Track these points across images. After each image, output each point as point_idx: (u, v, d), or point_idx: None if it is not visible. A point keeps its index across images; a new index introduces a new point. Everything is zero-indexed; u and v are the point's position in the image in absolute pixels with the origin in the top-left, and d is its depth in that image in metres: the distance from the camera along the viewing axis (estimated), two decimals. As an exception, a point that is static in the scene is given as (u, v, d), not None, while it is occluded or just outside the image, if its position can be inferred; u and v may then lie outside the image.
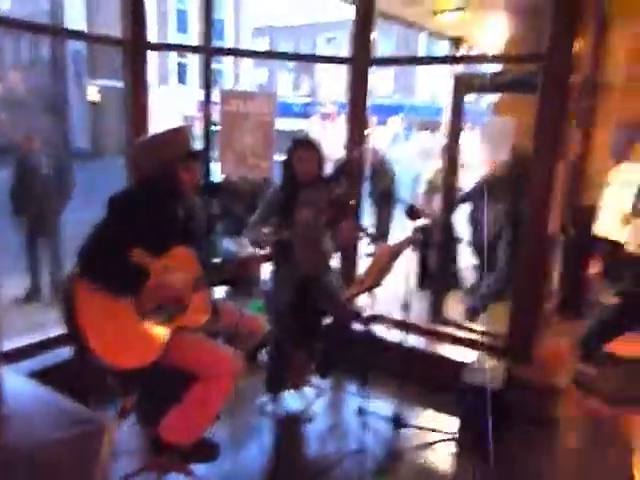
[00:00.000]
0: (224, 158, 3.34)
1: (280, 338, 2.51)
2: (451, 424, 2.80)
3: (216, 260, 2.39)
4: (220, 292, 3.74)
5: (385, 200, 6.57)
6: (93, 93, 20.73)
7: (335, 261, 3.06)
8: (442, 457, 2.62)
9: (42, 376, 1.81)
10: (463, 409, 2.66)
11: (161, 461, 2.07)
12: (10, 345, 2.67)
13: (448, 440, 2.71)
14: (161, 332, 1.92)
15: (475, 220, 4.51)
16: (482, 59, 3.58)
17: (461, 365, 2.83)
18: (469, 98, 3.43)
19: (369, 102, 3.33)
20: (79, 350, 1.83)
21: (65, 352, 2.66)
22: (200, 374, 1.97)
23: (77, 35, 3.90)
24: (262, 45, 30.91)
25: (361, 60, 3.26)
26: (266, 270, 2.95)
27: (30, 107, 19.09)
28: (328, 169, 2.81)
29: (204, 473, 2.28)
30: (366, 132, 3.35)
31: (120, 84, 2.97)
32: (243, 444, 2.47)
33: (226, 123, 3.24)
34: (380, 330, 3.28)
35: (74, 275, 1.79)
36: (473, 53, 7.06)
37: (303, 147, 2.62)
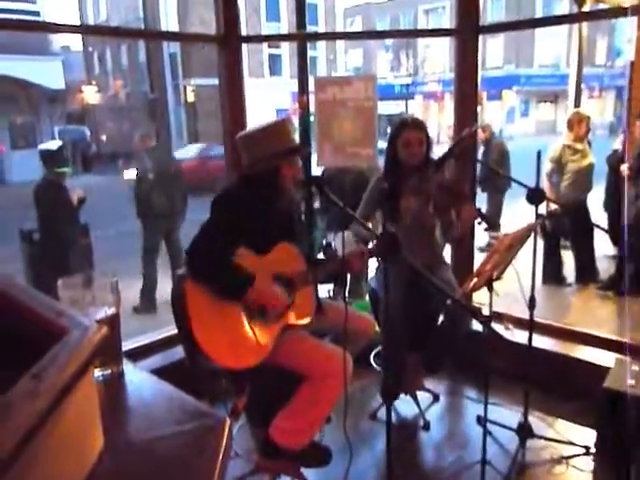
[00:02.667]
0: (321, 148, 3.35)
1: (391, 340, 2.40)
2: (587, 436, 2.64)
3: (319, 256, 2.43)
4: (323, 290, 3.75)
5: (498, 183, 6.31)
6: (188, 93, 21.98)
7: (447, 253, 2.97)
8: (577, 474, 2.46)
9: (156, 375, 1.97)
10: (601, 419, 2.44)
11: (272, 464, 2.15)
12: (127, 345, 2.89)
13: (584, 454, 2.55)
14: (269, 333, 1.97)
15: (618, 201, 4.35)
16: (615, 12, 3.29)
17: (599, 369, 2.68)
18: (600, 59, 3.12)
19: (479, 76, 3.19)
20: (190, 350, 1.93)
21: (178, 352, 2.72)
22: (309, 375, 2.00)
23: (173, 36, 4.19)
24: (356, 26, 30.57)
25: (467, 29, 3.15)
26: (372, 266, 2.91)
27: (132, 112, 20.96)
28: (435, 153, 2.70)
29: (315, 479, 2.30)
30: (476, 110, 3.22)
31: (214, 81, 3.14)
32: (355, 450, 2.39)
33: (322, 112, 3.23)
34: (501, 329, 3.17)
35: (183, 276, 1.88)
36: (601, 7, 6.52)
37: (409, 128, 2.54)
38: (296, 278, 2.08)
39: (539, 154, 2.23)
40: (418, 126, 2.57)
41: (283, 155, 2.00)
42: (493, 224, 3.95)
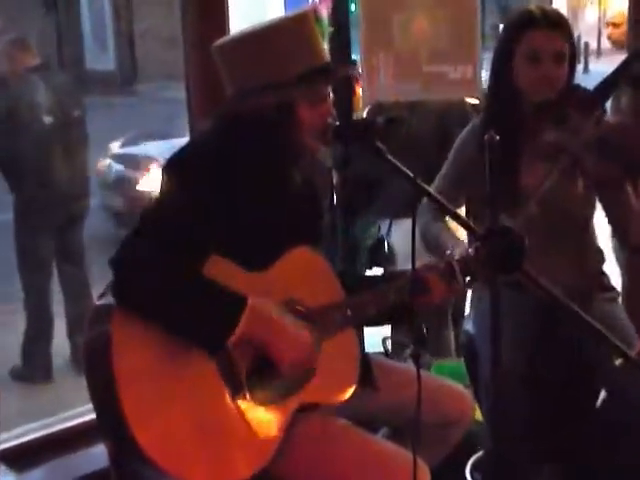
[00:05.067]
0: (372, 68, 3.09)
1: (505, 437, 2.14)
2: None
3: (366, 273, 2.33)
4: (375, 339, 3.40)
5: None
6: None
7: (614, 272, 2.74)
8: None
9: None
10: None
11: None
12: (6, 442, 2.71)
13: None
14: (275, 416, 1.77)
15: None
16: None
17: None
18: None
19: None
20: (119, 452, 1.76)
21: (95, 456, 2.58)
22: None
23: None
24: None
25: None
26: (469, 297, 2.69)
27: None
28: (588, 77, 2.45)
29: None
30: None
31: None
32: None
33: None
34: None
35: (106, 309, 1.65)
36: None
37: (539, 27, 2.29)
38: (323, 315, 1.84)
39: None
40: (556, 23, 2.29)
41: (300, 82, 1.82)
42: None
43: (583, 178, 2.32)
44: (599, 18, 32.82)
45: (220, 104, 2.07)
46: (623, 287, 3.15)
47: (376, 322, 2.34)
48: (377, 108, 3.56)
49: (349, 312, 1.89)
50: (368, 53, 3.16)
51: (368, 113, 3.57)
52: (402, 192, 2.47)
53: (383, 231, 3.59)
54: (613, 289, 2.55)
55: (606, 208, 2.44)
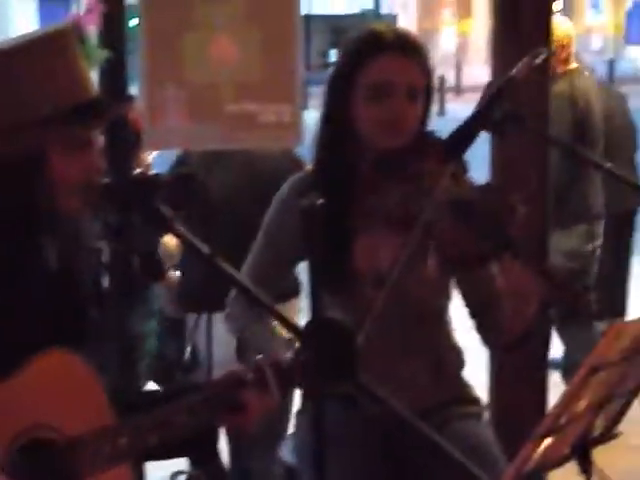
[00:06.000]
0: (155, 107, 2.89)
1: None
2: None
3: (150, 387, 2.36)
4: (161, 473, 3.30)
5: (616, 194, 5.92)
6: None
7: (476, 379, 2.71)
8: None
9: None
10: None
11: None
12: None
13: None
14: None
15: None
16: None
17: None
18: None
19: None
20: None
21: None
22: None
23: None
24: None
25: None
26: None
27: None
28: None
29: None
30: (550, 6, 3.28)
31: None
32: None
33: (158, 9, 2.90)
34: None
35: None
36: None
37: (386, 53, 2.28)
38: (85, 445, 1.83)
39: None
40: (412, 49, 2.29)
41: (50, 123, 1.86)
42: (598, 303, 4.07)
43: (437, 255, 2.27)
44: (458, 45, 33.40)
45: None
46: (490, 396, 3.28)
47: (163, 454, 2.25)
48: (183, 159, 3.67)
49: (123, 441, 1.84)
50: (151, 85, 2.96)
51: (172, 167, 3.67)
52: (203, 276, 2.52)
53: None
54: (477, 402, 2.55)
55: (465, 295, 2.44)
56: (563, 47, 5.17)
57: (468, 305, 2.54)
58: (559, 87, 4.99)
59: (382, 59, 2.42)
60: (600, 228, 5.47)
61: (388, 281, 2.32)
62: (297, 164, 3.34)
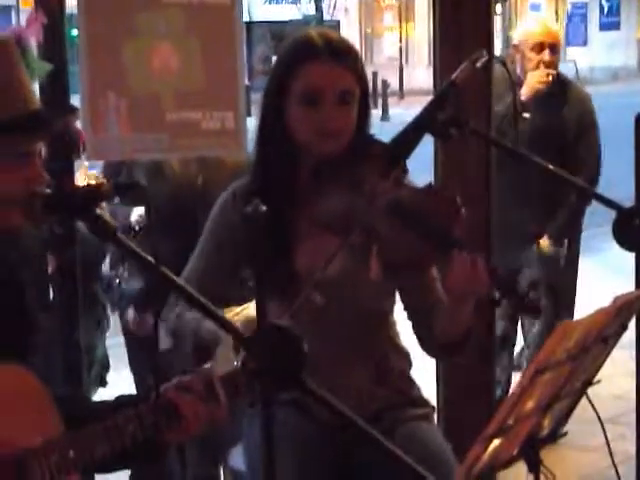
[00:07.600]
0: (96, 117, 2.85)
1: None
2: None
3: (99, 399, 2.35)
4: None
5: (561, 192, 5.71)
6: None
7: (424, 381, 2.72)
8: None
9: None
10: None
11: None
12: None
13: None
14: None
15: None
16: None
17: None
18: None
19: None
20: None
21: None
22: None
23: None
24: None
25: None
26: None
27: None
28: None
29: None
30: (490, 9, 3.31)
31: None
32: None
33: (99, 17, 2.87)
34: None
35: None
36: None
37: (319, 59, 2.28)
38: (31, 457, 1.84)
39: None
40: (342, 54, 2.29)
41: None
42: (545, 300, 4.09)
43: (378, 259, 2.27)
44: (400, 49, 34.10)
45: None
46: (437, 399, 3.26)
47: (111, 466, 2.24)
48: (109, 169, 3.71)
49: (71, 453, 1.85)
50: (92, 95, 2.93)
51: (104, 173, 3.68)
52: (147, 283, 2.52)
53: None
54: (426, 404, 2.56)
55: (405, 298, 2.48)
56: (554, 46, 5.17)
57: (406, 308, 2.63)
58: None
59: (312, 65, 2.48)
60: None
61: (311, 280, 2.35)
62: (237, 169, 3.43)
